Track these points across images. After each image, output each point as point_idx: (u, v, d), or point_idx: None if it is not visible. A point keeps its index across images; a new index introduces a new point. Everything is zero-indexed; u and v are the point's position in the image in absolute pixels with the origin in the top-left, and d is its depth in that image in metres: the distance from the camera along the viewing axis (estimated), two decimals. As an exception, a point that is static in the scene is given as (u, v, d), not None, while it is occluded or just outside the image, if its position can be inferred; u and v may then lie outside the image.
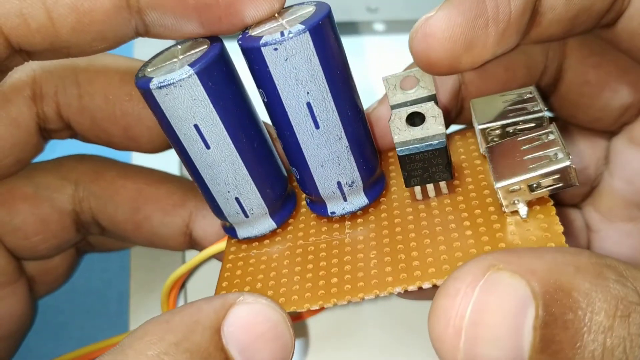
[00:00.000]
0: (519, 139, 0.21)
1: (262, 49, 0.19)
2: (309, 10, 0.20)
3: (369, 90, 0.31)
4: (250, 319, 0.19)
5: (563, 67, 0.24)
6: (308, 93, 0.20)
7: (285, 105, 0.20)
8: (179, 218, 0.26)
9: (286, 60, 0.19)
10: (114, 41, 0.20)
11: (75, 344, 0.26)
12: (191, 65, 0.20)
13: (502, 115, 0.22)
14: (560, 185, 0.20)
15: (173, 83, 0.19)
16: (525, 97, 0.23)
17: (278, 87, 0.20)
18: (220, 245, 0.25)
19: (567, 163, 0.19)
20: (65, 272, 0.28)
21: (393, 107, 0.24)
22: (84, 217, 0.26)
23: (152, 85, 0.20)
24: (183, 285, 0.29)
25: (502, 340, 0.16)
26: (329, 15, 0.20)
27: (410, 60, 0.24)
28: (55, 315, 0.31)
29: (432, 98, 0.23)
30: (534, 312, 0.15)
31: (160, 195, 0.26)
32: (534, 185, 0.20)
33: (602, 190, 0.26)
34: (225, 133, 0.21)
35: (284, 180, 0.23)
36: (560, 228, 0.19)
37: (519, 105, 0.23)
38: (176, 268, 0.28)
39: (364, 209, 0.23)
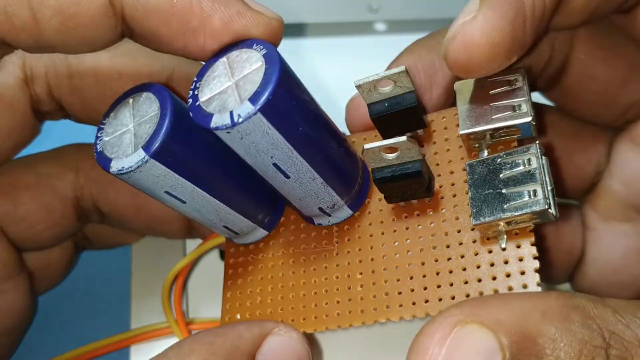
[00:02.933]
0: (501, 170, 0.20)
1: (215, 132, 0.18)
2: (256, 66, 0.18)
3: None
4: (281, 349, 0.21)
5: (569, 59, 0.22)
6: (272, 157, 0.19)
7: (252, 165, 0.20)
8: None
9: (242, 139, 0.18)
10: (100, 45, 0.20)
11: (76, 343, 0.27)
12: (145, 148, 0.19)
13: (486, 115, 0.21)
14: (539, 220, 0.19)
15: (132, 170, 0.19)
16: (513, 87, 0.21)
17: (241, 155, 0.19)
18: (220, 238, 0.26)
19: (543, 207, 0.19)
20: (65, 267, 0.29)
21: (370, 104, 0.22)
22: (85, 204, 0.27)
23: (112, 170, 0.19)
24: (184, 286, 0.29)
25: None
26: (279, 77, 0.18)
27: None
28: (56, 315, 0.32)
29: (412, 94, 0.22)
30: None
31: None
32: (512, 222, 0.19)
33: (601, 190, 0.25)
34: (197, 189, 0.21)
35: (269, 196, 0.23)
36: (536, 265, 0.19)
37: (505, 102, 0.21)
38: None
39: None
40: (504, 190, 0.19)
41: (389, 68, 0.23)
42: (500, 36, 0.18)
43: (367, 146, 0.20)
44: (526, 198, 0.19)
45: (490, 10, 0.18)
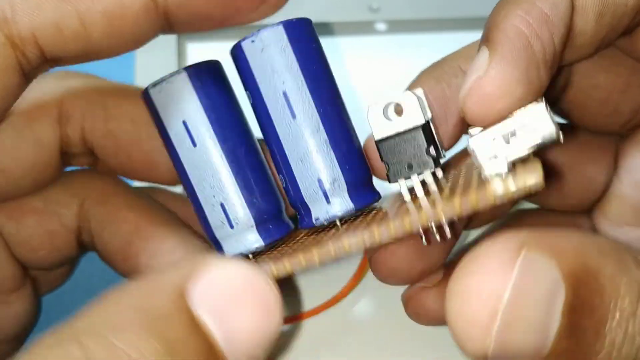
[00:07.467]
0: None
1: (242, 43, 0.22)
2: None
3: (371, 91, 0.30)
4: (222, 278, 0.16)
5: (571, 70, 0.23)
6: (283, 82, 0.21)
7: (264, 97, 0.21)
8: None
9: (262, 50, 0.21)
10: (140, 41, 0.20)
11: (76, 342, 0.25)
12: (185, 68, 0.22)
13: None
14: (540, 142, 0.18)
15: (165, 80, 0.22)
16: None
17: (257, 79, 0.21)
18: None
19: (542, 108, 0.18)
20: (67, 271, 0.28)
21: (378, 141, 0.23)
22: (85, 237, 0.26)
23: (149, 85, 0.22)
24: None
25: (535, 326, 0.15)
26: (307, 23, 0.22)
27: (413, 61, 0.25)
28: (57, 315, 0.28)
29: (422, 126, 0.23)
30: (563, 297, 0.15)
31: (156, 239, 0.25)
32: (509, 134, 0.18)
33: (611, 196, 0.24)
34: (212, 132, 0.22)
35: (276, 199, 0.23)
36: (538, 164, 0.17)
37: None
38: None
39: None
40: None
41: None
42: (516, 87, 0.18)
43: (369, 106, 0.21)
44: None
45: (502, 63, 0.18)
